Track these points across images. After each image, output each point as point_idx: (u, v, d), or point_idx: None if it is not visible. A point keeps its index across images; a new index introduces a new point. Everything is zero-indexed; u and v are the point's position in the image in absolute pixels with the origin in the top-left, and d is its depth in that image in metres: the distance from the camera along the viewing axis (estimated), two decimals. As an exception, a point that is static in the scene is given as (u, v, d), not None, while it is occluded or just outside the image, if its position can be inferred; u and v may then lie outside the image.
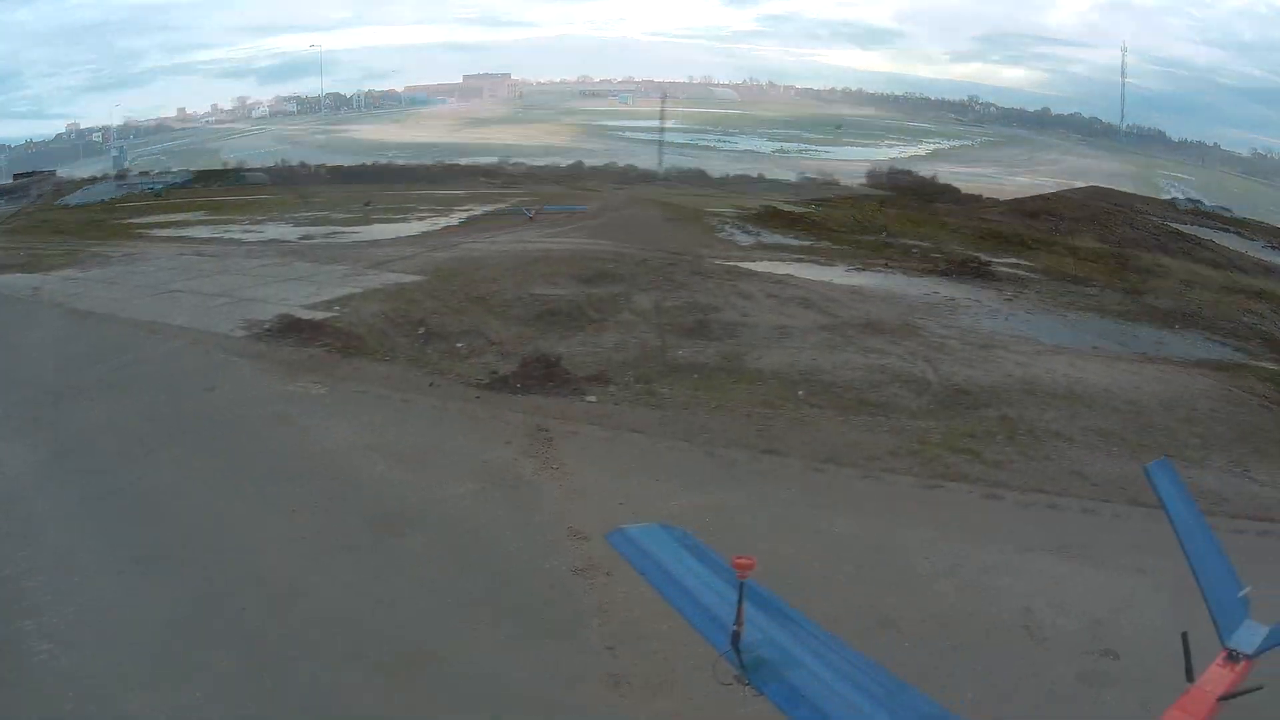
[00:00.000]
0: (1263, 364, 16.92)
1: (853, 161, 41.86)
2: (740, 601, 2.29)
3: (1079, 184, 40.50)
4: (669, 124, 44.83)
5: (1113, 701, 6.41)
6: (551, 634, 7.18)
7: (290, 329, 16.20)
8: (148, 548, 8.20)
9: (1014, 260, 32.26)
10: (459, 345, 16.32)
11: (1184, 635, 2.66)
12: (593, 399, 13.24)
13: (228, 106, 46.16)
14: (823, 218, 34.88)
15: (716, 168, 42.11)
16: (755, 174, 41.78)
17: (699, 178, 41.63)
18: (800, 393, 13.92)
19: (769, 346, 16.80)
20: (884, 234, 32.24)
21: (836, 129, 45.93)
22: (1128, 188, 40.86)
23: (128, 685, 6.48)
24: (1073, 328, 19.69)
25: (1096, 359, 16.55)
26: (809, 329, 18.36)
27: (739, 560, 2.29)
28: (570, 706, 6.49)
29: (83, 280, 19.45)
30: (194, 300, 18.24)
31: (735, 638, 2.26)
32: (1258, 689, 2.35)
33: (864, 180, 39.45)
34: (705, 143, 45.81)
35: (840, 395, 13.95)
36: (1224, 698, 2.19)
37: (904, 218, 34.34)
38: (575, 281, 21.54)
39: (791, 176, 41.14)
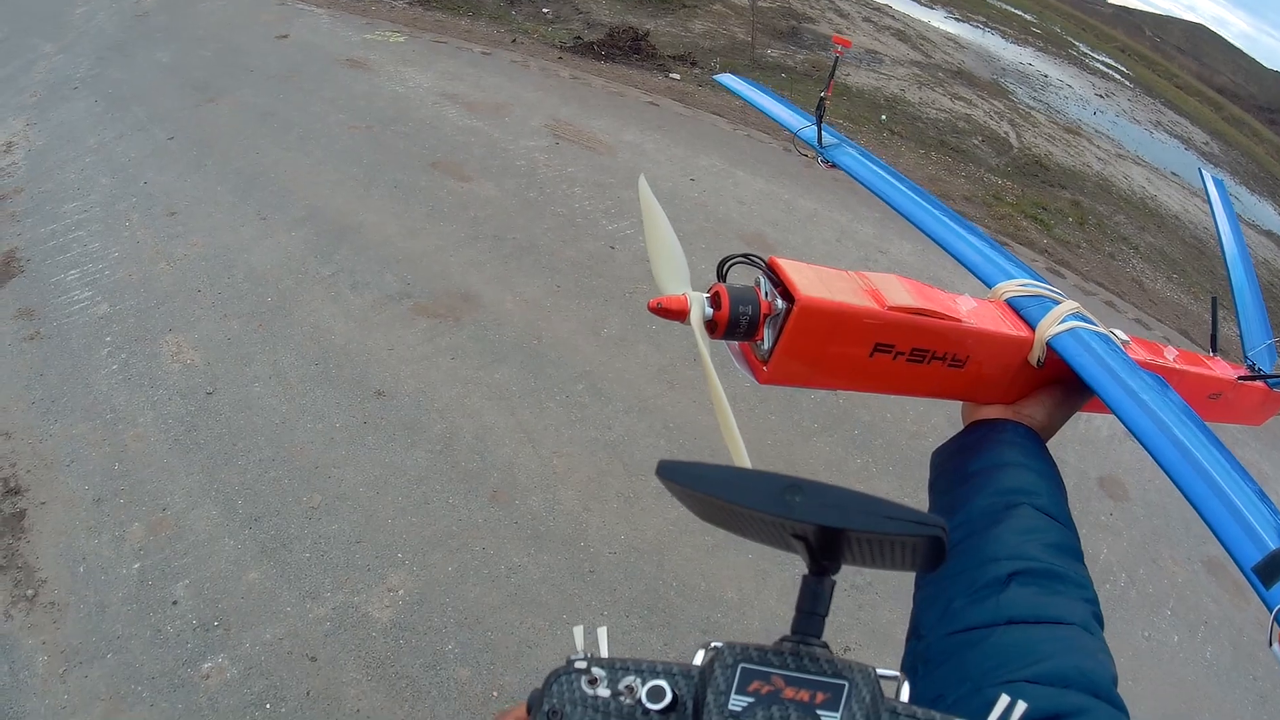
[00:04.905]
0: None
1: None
2: (831, 75, 2.33)
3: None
4: None
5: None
6: (584, 296, 7.17)
7: (370, -21, 15.53)
8: (200, 182, 8.18)
9: (1109, 61, 31.04)
10: (545, 10, 15.76)
11: (1213, 300, 2.54)
12: (676, 76, 12.86)
13: None
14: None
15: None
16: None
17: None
18: (883, 117, 13.51)
19: (858, 67, 16.19)
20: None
21: None
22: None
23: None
24: (1154, 147, 19.02)
25: (1174, 185, 15.97)
26: (900, 61, 17.76)
27: (838, 39, 2.25)
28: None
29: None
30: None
31: (820, 105, 2.20)
32: (1276, 377, 2.25)
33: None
34: None
35: (922, 131, 13.56)
36: (1242, 378, 2.10)
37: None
38: (669, -37, 20.81)
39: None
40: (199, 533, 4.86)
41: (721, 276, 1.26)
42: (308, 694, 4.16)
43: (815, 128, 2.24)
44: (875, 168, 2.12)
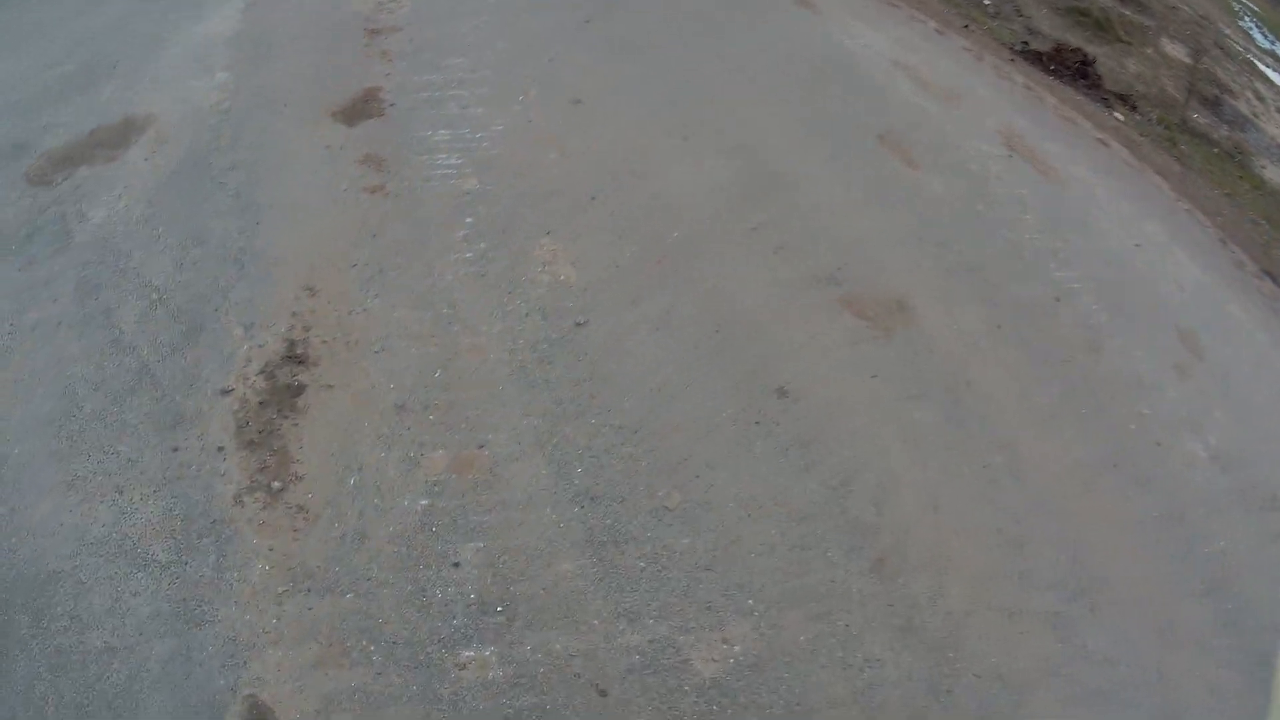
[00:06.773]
0: None
1: None
2: None
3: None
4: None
5: None
6: (1021, 347, 5.93)
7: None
8: (616, 76, 7.31)
9: None
10: (987, 2, 14.66)
11: None
12: (1119, 117, 11.57)
13: None
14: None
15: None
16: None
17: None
18: (1301, 225, 11.86)
19: (1274, 159, 14.52)
20: None
21: None
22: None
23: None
24: None
25: None
26: (1316, 167, 16.05)
27: None
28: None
29: None
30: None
31: None
32: None
33: None
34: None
35: (1339, 247, 11.86)
36: None
37: None
38: (1107, -7, 19.48)
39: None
40: (516, 489, 4.03)
41: None
42: (581, 730, 3.38)
43: None
44: None
